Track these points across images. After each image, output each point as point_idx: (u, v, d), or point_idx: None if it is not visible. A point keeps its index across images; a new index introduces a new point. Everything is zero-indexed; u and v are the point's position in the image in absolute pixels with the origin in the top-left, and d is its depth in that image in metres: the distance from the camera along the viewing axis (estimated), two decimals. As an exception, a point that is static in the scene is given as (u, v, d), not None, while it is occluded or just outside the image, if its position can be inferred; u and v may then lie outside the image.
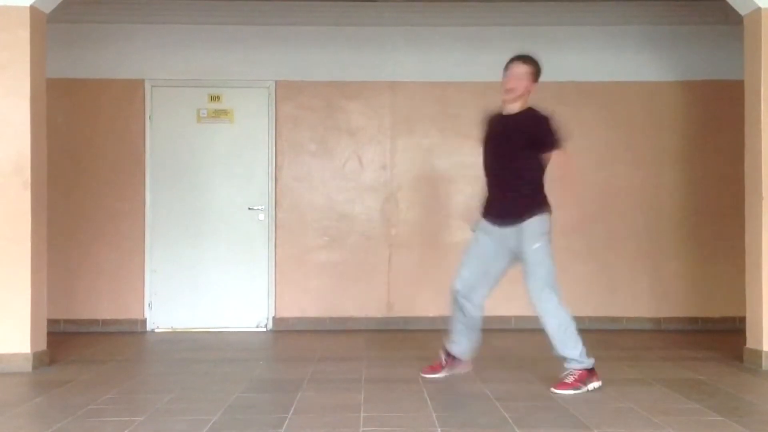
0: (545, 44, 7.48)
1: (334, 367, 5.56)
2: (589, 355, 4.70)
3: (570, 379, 4.64)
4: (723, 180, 7.37)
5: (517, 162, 4.76)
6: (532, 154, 4.73)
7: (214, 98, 7.50)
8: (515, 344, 6.64)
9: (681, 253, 7.52)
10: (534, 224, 4.74)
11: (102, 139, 7.41)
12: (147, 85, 7.44)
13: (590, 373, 4.67)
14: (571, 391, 4.56)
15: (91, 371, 5.34)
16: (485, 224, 4.94)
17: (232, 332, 7.31)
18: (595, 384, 4.65)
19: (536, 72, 4.82)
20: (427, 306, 7.45)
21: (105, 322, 7.33)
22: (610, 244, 7.53)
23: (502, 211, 4.83)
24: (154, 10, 7.37)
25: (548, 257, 4.79)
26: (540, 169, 4.78)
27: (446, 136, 7.54)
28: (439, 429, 3.75)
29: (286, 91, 7.50)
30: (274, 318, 7.45)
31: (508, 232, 4.81)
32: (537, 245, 4.74)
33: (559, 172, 4.74)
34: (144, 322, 7.37)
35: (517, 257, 4.85)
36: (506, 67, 4.84)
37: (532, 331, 7.25)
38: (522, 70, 4.78)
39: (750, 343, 5.55)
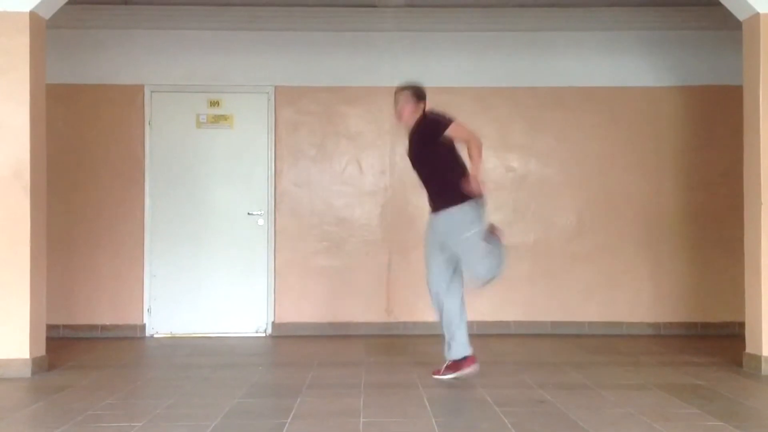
0: (545, 49, 7.52)
1: (334, 372, 5.56)
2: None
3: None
4: (722, 185, 7.37)
5: (431, 163, 5.19)
6: (439, 150, 5.13)
7: (214, 103, 7.50)
8: (514, 349, 6.64)
9: (680, 258, 7.52)
10: (458, 214, 5.07)
11: (102, 145, 7.41)
12: (147, 91, 7.45)
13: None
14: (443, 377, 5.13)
15: (90, 377, 5.34)
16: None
17: (231, 337, 7.30)
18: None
19: (413, 95, 5.29)
20: (427, 311, 7.42)
21: (104, 327, 7.33)
22: (609, 249, 7.53)
23: (433, 202, 5.23)
24: (153, 15, 7.38)
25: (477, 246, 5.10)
26: (451, 164, 5.17)
27: (445, 142, 7.54)
28: (438, 434, 3.75)
29: (285, 97, 7.51)
30: (273, 323, 7.44)
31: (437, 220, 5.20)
32: (467, 234, 5.05)
33: (464, 140, 5.14)
34: (143, 327, 7.37)
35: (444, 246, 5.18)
36: (395, 101, 5.34)
37: (531, 336, 7.29)
38: (400, 97, 5.29)
39: (749, 348, 5.54)
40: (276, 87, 7.51)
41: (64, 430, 3.84)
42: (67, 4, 5.73)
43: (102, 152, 7.41)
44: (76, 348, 6.56)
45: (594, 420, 4.00)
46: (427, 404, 4.40)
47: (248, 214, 7.47)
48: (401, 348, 6.68)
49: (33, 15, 5.42)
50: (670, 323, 7.46)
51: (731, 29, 6.27)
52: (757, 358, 5.40)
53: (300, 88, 7.52)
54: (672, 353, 6.35)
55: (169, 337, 7.35)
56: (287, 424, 3.92)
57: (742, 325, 5.75)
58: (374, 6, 7.43)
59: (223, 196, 7.47)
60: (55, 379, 5.23)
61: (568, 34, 7.54)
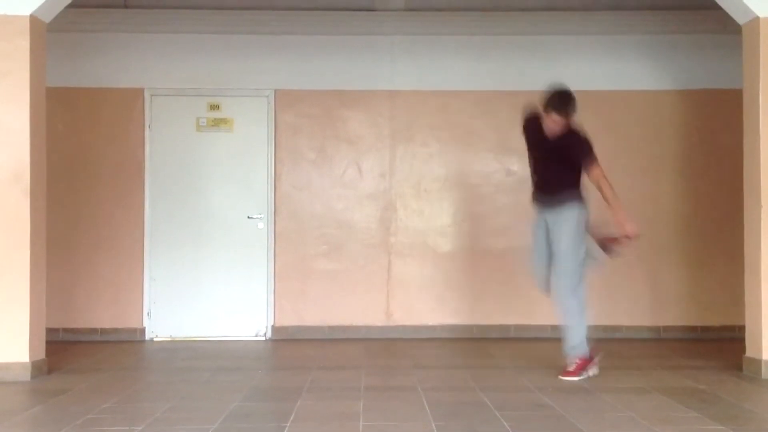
0: (544, 53, 7.52)
1: (333, 375, 5.56)
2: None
3: (572, 368, 5.28)
4: (722, 189, 7.37)
5: (560, 173, 5.47)
6: (574, 168, 5.47)
7: (214, 107, 7.50)
8: (514, 353, 6.63)
9: (680, 261, 7.51)
10: (568, 214, 5.40)
11: (101, 148, 7.41)
12: (146, 94, 7.45)
13: (589, 361, 5.34)
14: (575, 378, 5.20)
15: (89, 380, 5.33)
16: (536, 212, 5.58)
17: (231, 341, 7.30)
18: (593, 370, 5.32)
19: (571, 113, 5.39)
20: (427, 314, 7.45)
21: (104, 330, 7.32)
22: (608, 252, 7.51)
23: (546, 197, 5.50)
24: (153, 19, 7.38)
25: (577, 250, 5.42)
26: (576, 175, 5.48)
27: (445, 145, 7.55)
28: (438, 438, 3.75)
29: (285, 100, 7.51)
30: (273, 326, 7.44)
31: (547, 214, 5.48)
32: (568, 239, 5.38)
33: (595, 184, 5.41)
34: (143, 330, 7.36)
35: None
36: (545, 110, 5.37)
37: (530, 339, 7.28)
38: (557, 118, 5.34)
39: (749, 352, 5.54)
40: (276, 90, 7.51)
41: (63, 433, 3.84)
42: (67, 7, 5.73)
43: (102, 155, 7.40)
44: (75, 351, 6.56)
45: (594, 424, 4.00)
46: (426, 407, 4.39)
47: (248, 217, 7.47)
48: (401, 351, 6.68)
49: (33, 18, 5.42)
50: (670, 327, 7.45)
51: (731, 33, 6.26)
52: (756, 362, 5.40)
53: (300, 92, 7.52)
54: (672, 357, 6.35)
55: (168, 341, 7.34)
56: (287, 428, 3.92)
57: (742, 328, 5.75)
58: (374, 10, 7.44)
59: (222, 199, 7.47)
60: (54, 383, 5.22)
61: (568, 38, 7.54)
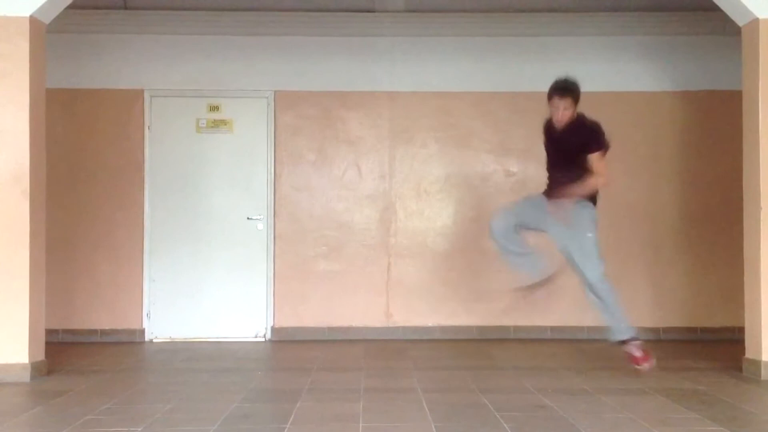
0: (543, 54, 7.53)
1: (333, 377, 5.56)
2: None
3: (638, 354, 5.46)
4: (721, 190, 7.37)
5: (568, 166, 5.45)
6: (582, 159, 5.44)
7: (214, 108, 7.51)
8: (514, 354, 6.64)
9: (680, 262, 7.52)
10: (585, 211, 5.45)
11: (101, 149, 7.41)
12: (146, 95, 7.45)
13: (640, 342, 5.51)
14: (647, 365, 5.42)
15: (89, 381, 5.33)
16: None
17: (230, 342, 7.30)
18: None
19: (576, 99, 5.47)
20: (426, 315, 7.45)
21: (103, 332, 7.32)
22: (608, 253, 7.45)
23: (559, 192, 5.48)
24: (153, 20, 7.39)
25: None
26: (585, 167, 5.46)
27: (444, 146, 7.55)
28: (438, 439, 3.75)
29: (285, 101, 7.51)
30: (272, 328, 7.44)
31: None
32: (590, 234, 5.46)
33: (594, 170, 5.42)
34: (142, 332, 7.36)
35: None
36: (549, 98, 5.47)
37: (530, 340, 7.29)
38: (565, 102, 5.42)
39: (749, 353, 5.54)
40: (275, 92, 7.51)
41: (63, 434, 3.84)
42: (67, 8, 5.74)
43: (101, 157, 7.41)
44: (75, 352, 6.55)
45: (594, 425, 4.00)
46: (426, 409, 4.39)
47: (248, 218, 7.47)
48: (401, 352, 6.67)
49: (33, 20, 5.42)
50: (670, 328, 7.45)
51: (730, 34, 6.28)
52: (756, 363, 5.40)
53: (299, 93, 7.52)
54: (671, 358, 6.34)
55: (168, 342, 7.34)
56: (286, 429, 3.92)
57: (741, 329, 5.75)
58: (373, 11, 7.45)
59: (222, 200, 7.47)
60: (54, 384, 5.22)
61: (567, 39, 7.54)
